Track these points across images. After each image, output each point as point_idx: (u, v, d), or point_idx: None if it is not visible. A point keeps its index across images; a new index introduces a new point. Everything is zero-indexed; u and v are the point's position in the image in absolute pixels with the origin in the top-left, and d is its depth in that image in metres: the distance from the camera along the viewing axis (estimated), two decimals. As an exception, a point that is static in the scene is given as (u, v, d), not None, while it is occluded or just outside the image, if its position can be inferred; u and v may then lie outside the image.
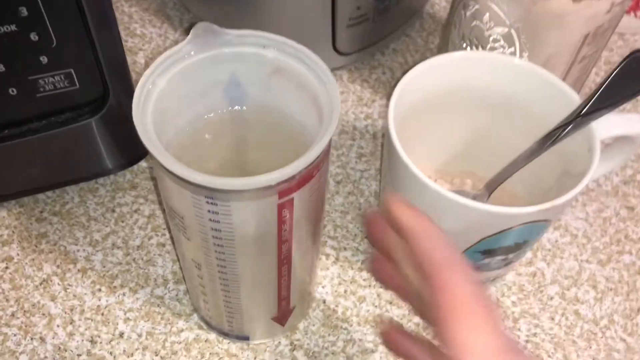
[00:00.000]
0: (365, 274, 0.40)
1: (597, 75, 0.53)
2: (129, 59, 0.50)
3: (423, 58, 0.53)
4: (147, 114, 0.26)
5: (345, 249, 0.41)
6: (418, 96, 0.37)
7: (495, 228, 0.31)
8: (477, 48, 0.41)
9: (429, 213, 0.32)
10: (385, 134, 0.33)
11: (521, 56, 0.40)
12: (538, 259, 0.42)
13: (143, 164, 0.45)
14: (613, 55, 0.54)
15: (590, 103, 0.32)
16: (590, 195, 0.45)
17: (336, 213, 0.43)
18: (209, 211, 0.26)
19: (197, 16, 0.52)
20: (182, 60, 0.28)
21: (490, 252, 0.34)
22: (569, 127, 0.33)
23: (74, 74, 0.34)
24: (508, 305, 0.40)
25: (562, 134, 0.34)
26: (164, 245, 0.41)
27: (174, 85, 0.28)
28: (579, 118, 0.33)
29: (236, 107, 0.31)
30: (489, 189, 0.37)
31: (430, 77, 0.36)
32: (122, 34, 0.52)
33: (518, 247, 0.34)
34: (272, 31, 0.48)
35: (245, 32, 0.29)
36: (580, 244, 0.43)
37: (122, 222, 0.42)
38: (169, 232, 0.41)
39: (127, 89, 0.37)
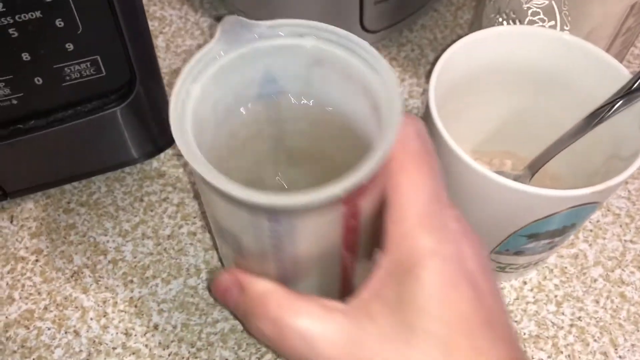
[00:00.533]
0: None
1: (637, 48, 0.50)
2: (150, 43, 0.49)
3: (452, 34, 0.51)
4: (187, 129, 0.24)
5: None
6: (456, 74, 0.35)
7: (543, 212, 0.30)
8: (514, 22, 0.39)
9: (473, 196, 0.31)
10: (426, 114, 0.32)
11: (562, 30, 0.38)
12: (580, 240, 0.40)
13: (170, 151, 0.43)
14: (650, 26, 0.52)
15: (643, 78, 0.31)
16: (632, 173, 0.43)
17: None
18: (270, 230, 0.23)
19: (218, -4, 0.51)
20: (213, 62, 0.25)
21: (537, 235, 0.32)
22: (618, 103, 0.32)
23: (100, 61, 0.33)
24: (551, 289, 0.39)
25: (611, 112, 0.32)
26: (194, 234, 0.40)
27: (207, 91, 0.25)
28: (629, 94, 0.31)
29: (273, 106, 0.29)
30: (532, 170, 0.36)
31: (470, 54, 0.35)
32: (142, 17, 0.51)
33: (565, 230, 0.33)
34: (296, 12, 0.47)
35: (279, 21, 0.26)
36: (623, 223, 0.41)
37: (151, 211, 0.41)
38: (202, 220, 0.40)
39: (155, 76, 0.36)
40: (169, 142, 0.43)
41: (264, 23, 0.26)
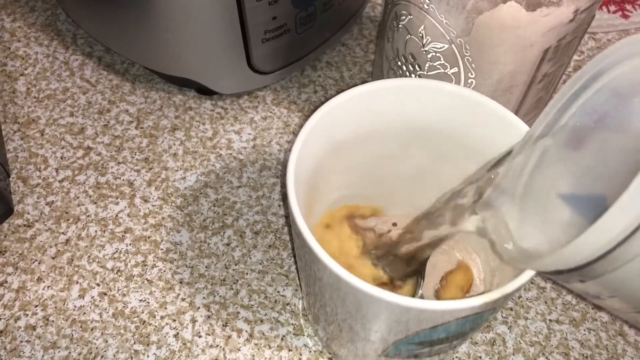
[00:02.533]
0: (286, 354, 0.33)
1: (566, 85, 0.45)
2: (6, 87, 0.42)
3: (362, 71, 0.45)
4: None
5: (261, 321, 0.34)
6: (332, 137, 0.29)
7: (429, 323, 0.24)
8: (413, 67, 0.33)
9: (337, 300, 0.25)
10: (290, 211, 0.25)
11: (467, 77, 0.32)
12: (498, 321, 0.34)
13: (16, 220, 0.36)
14: (584, 59, 0.47)
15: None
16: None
17: (252, 274, 0.35)
18: None
19: (89, 33, 0.44)
20: None
21: (429, 343, 0.26)
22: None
23: None
24: (462, 385, 0.32)
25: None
26: (34, 327, 0.33)
27: None
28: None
29: None
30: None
31: (341, 116, 0.28)
32: (1, 55, 0.44)
33: (462, 335, 0.27)
34: (176, 49, 0.40)
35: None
36: (548, 298, 0.35)
37: (-16, 299, 0.34)
38: (44, 311, 0.33)
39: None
40: (9, 210, 0.36)
41: None
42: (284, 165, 0.40)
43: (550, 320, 0.35)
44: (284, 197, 0.38)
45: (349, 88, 0.28)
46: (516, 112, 0.34)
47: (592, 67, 0.23)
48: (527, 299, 0.35)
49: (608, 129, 0.22)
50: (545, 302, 0.35)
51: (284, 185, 0.39)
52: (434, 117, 0.29)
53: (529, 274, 0.23)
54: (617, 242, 0.17)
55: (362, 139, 0.30)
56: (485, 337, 0.34)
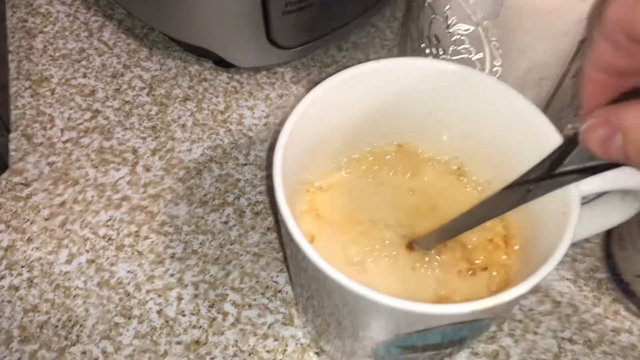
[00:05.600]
0: (271, 344, 0.31)
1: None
2: (23, 44, 0.41)
3: (390, 54, 0.43)
4: None
5: (250, 306, 0.32)
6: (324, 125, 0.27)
7: (413, 327, 0.21)
8: (436, 50, 0.31)
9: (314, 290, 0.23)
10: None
11: (492, 65, 0.29)
12: (504, 333, 0.32)
13: (14, 178, 0.35)
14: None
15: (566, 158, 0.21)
16: (583, 248, 0.35)
17: (247, 256, 0.33)
18: None
19: (112, -7, 0.42)
20: None
21: (415, 348, 0.24)
22: (531, 190, 0.22)
23: None
24: (456, 398, 0.30)
25: (519, 199, 0.23)
26: (17, 288, 0.32)
27: None
28: (549, 178, 0.22)
29: None
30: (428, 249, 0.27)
31: (334, 98, 0.26)
32: (23, 11, 0.43)
33: (459, 342, 0.24)
34: (194, 16, 0.38)
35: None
36: (563, 315, 0.32)
37: (-29, 254, 0.33)
38: (30, 272, 0.32)
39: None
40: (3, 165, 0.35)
41: None
42: (294, 146, 0.38)
43: (562, 338, 0.32)
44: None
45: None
46: (546, 108, 0.31)
47: None
48: (539, 313, 0.32)
49: None
50: (559, 319, 0.32)
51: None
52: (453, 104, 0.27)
53: (529, 284, 0.20)
54: None
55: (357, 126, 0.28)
56: (488, 348, 0.31)
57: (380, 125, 0.28)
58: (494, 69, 0.29)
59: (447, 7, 0.29)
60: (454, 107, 0.27)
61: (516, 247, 0.27)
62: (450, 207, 0.28)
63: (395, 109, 0.27)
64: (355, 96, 0.27)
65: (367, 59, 0.42)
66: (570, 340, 0.32)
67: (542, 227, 0.25)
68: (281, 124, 0.37)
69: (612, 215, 0.27)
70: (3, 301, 0.31)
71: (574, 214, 0.22)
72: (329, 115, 0.26)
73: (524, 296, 0.21)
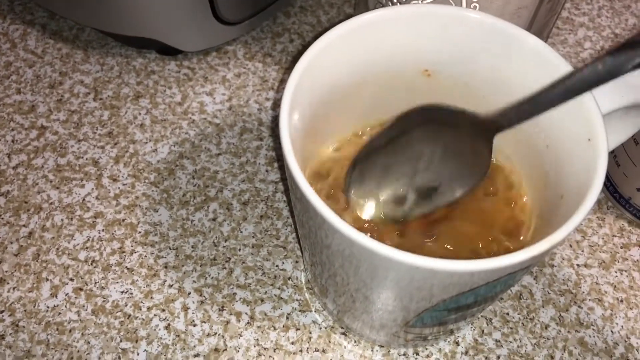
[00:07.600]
0: (294, 334, 0.29)
1: (571, 13, 0.41)
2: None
3: (341, 13, 0.41)
4: None
5: (262, 300, 0.30)
6: (330, 78, 0.25)
7: (458, 289, 0.20)
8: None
9: (347, 267, 0.21)
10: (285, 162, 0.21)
11: (469, 1, 0.28)
12: (522, 272, 0.31)
13: (-33, 218, 0.32)
14: (578, -20, 0.43)
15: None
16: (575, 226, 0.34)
17: (245, 249, 0.31)
18: None
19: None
20: None
21: (459, 309, 0.23)
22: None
23: None
24: (491, 347, 0.29)
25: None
26: (3, 337, 0.29)
27: None
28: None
29: None
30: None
31: (344, 50, 0.24)
32: None
33: (495, 296, 0.23)
34: (130, 5, 0.35)
35: None
36: (573, 241, 0.32)
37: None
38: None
39: None
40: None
41: None
42: (267, 126, 0.35)
43: (577, 265, 0.31)
44: (272, 160, 0.34)
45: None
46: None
47: None
48: (550, 245, 0.32)
49: None
50: (570, 246, 0.32)
51: (270, 148, 0.35)
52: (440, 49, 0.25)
53: (571, 225, 0.20)
54: None
55: (361, 80, 0.26)
56: (511, 291, 0.31)
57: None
58: (472, 5, 0.28)
59: (413, -52, 0.27)
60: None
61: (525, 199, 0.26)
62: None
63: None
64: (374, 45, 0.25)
65: (318, 21, 0.40)
66: (586, 266, 0.31)
67: (558, 163, 0.24)
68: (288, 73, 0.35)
69: (616, 135, 0.26)
70: (-10, 354, 0.28)
71: (601, 137, 0.21)
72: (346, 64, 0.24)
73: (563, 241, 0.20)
